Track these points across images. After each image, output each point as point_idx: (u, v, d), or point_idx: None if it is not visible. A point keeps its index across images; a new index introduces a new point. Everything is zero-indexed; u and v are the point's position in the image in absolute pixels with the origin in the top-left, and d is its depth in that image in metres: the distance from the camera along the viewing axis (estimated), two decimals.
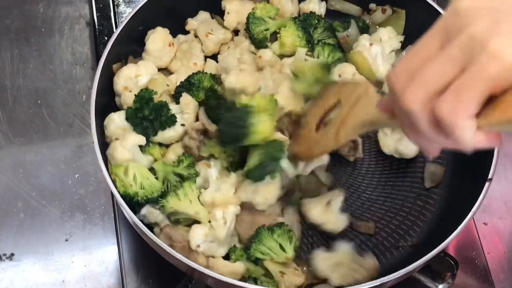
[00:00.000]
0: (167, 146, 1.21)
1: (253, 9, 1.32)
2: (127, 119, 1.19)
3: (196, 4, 1.38)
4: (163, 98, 1.23)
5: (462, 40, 0.64)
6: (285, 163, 1.10)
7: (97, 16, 1.49)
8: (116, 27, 1.48)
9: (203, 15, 1.38)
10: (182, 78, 1.26)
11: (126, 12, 1.51)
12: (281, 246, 1.11)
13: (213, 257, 1.11)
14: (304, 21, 1.31)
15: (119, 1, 1.52)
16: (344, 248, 1.16)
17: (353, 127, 0.95)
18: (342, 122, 0.97)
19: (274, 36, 1.33)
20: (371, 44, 1.28)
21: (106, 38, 1.46)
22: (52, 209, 1.31)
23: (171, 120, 1.18)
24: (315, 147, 1.06)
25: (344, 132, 0.97)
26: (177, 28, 1.36)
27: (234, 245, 1.14)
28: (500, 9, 0.64)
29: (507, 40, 0.62)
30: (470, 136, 0.65)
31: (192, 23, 1.36)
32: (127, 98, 1.22)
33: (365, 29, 1.35)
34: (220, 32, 1.34)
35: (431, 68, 0.66)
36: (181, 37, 1.36)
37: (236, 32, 1.38)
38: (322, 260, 1.15)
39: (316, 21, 1.32)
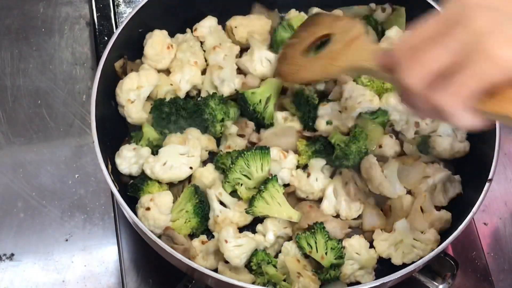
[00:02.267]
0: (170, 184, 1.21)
1: (288, 19, 1.36)
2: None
3: (196, 4, 1.37)
4: (168, 98, 1.24)
5: (463, 34, 0.68)
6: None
7: (97, 16, 1.49)
8: (116, 27, 1.48)
9: (211, 21, 1.36)
10: (187, 77, 1.27)
11: (126, 12, 1.51)
12: (326, 248, 1.11)
13: (226, 261, 1.12)
14: None
15: (119, 1, 1.52)
16: (402, 226, 1.15)
17: (344, 65, 1.00)
18: (333, 57, 1.02)
19: None
20: None
21: (106, 38, 1.46)
22: (52, 209, 1.31)
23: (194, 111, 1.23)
24: (301, 71, 1.12)
25: (334, 67, 1.03)
26: (178, 28, 1.36)
27: (256, 249, 1.14)
28: (503, 11, 0.66)
29: (505, 42, 0.65)
30: (464, 121, 0.71)
31: (201, 31, 1.35)
32: (131, 111, 1.22)
33: (376, 27, 1.36)
34: (227, 45, 1.33)
35: (432, 52, 0.71)
36: (179, 36, 1.36)
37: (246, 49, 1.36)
38: (382, 241, 1.15)
39: None
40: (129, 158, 1.19)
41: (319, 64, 1.07)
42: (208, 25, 1.36)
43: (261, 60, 1.30)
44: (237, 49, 1.33)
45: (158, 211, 1.13)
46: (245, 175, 1.17)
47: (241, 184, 1.17)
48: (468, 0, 0.69)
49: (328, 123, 1.23)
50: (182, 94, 1.28)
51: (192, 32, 1.36)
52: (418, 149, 1.23)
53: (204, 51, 1.34)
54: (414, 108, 0.78)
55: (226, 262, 1.11)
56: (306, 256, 1.14)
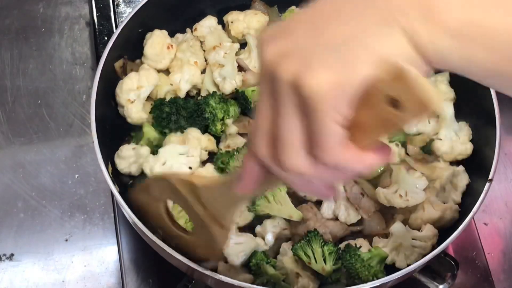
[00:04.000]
0: None
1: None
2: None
3: (196, 4, 1.37)
4: (168, 98, 1.24)
5: (284, 96, 0.61)
6: None
7: (97, 16, 1.49)
8: (116, 27, 1.47)
9: (211, 21, 1.36)
10: (187, 77, 1.27)
11: (126, 12, 1.51)
12: (323, 255, 1.10)
13: (226, 261, 1.11)
14: None
15: (119, 1, 1.52)
16: (398, 228, 1.14)
17: (228, 215, 0.89)
18: (213, 218, 0.90)
19: None
20: None
21: (106, 38, 1.46)
22: (52, 209, 1.31)
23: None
24: (213, 246, 0.95)
25: (227, 224, 0.90)
26: (178, 28, 1.36)
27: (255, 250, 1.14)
28: (303, 48, 0.60)
29: (319, 76, 0.58)
30: (358, 165, 0.63)
31: (201, 31, 1.35)
32: (131, 111, 1.22)
33: None
34: (227, 45, 1.32)
35: (283, 132, 0.63)
36: (179, 36, 1.36)
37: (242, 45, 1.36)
38: (383, 248, 1.14)
39: None
40: (128, 158, 1.19)
41: (215, 232, 0.91)
42: (208, 25, 1.36)
43: None
44: (237, 47, 1.33)
45: None
46: None
47: None
48: (265, 57, 0.62)
49: None
50: (182, 94, 1.28)
51: (192, 32, 1.36)
52: (422, 150, 1.23)
53: (204, 51, 1.34)
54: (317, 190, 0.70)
55: (226, 262, 1.11)
56: None
